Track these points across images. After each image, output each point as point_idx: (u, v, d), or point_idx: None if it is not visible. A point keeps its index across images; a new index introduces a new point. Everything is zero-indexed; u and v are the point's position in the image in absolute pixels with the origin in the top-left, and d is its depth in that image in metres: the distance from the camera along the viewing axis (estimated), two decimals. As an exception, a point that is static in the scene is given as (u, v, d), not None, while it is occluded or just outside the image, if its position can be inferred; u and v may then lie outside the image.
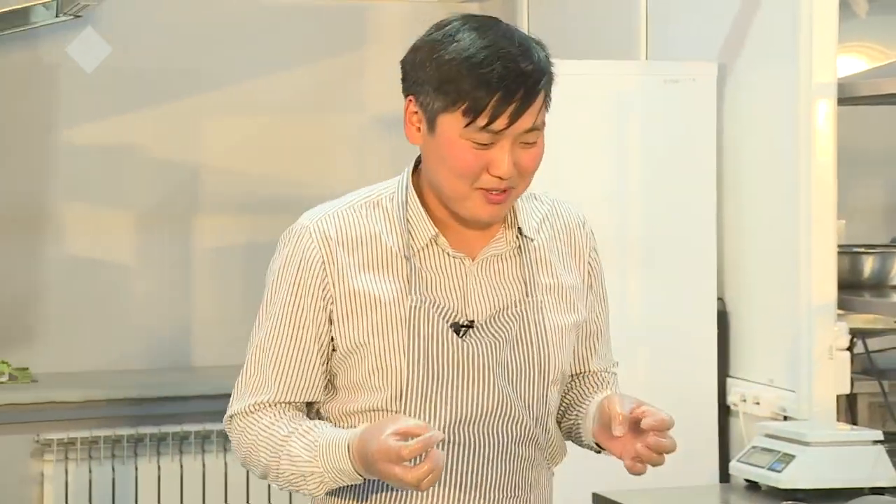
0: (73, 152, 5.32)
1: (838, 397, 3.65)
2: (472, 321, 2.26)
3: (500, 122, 2.17)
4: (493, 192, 2.21)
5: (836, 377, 3.64)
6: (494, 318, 2.28)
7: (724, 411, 3.96)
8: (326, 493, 2.31)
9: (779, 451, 3.40)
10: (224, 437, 4.92)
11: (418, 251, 2.28)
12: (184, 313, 5.43)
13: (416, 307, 2.24)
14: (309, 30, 5.54)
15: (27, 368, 5.17)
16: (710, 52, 4.06)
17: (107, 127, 5.37)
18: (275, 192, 5.39)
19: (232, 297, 5.39)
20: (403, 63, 2.27)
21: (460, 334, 2.25)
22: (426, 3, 5.37)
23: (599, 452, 2.38)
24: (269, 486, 4.94)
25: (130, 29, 5.36)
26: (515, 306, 2.30)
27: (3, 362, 5.11)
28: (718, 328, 3.97)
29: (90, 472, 5.01)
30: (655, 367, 3.88)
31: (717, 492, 3.73)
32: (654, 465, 2.22)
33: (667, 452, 2.20)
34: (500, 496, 2.29)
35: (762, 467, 3.41)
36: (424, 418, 2.22)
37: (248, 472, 4.11)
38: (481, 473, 2.27)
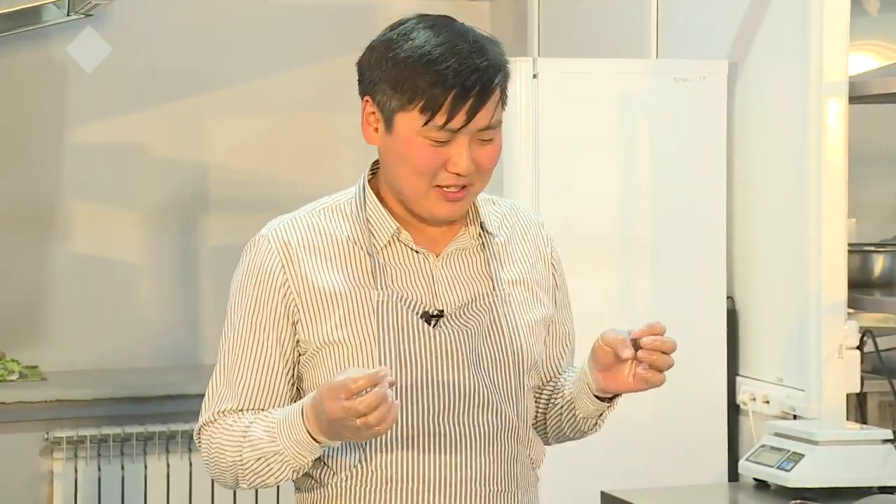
0: (81, 151, 5.32)
1: (848, 396, 3.64)
2: (442, 310, 2.27)
3: (458, 121, 2.18)
4: (451, 190, 2.23)
5: (846, 376, 3.63)
6: (464, 309, 2.28)
7: (734, 410, 3.96)
8: (302, 491, 2.32)
9: (788, 450, 3.39)
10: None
11: (381, 249, 2.28)
12: (191, 311, 5.43)
13: (383, 301, 2.25)
14: (319, 28, 5.54)
15: (37, 367, 5.18)
16: (721, 50, 4.05)
17: (114, 126, 5.37)
18: (282, 192, 5.38)
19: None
20: (359, 64, 2.29)
21: (431, 324, 2.25)
22: (437, 0, 5.36)
23: (603, 403, 2.34)
24: (277, 485, 4.92)
25: (139, 28, 5.36)
26: (484, 298, 2.30)
27: (13, 360, 5.12)
28: (727, 327, 3.96)
29: (99, 469, 5.01)
30: (665, 365, 3.87)
31: (725, 491, 3.73)
32: (662, 367, 2.20)
33: (670, 351, 2.19)
34: (485, 490, 2.27)
35: (771, 466, 3.40)
36: (401, 410, 2.21)
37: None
38: (464, 466, 2.25)
